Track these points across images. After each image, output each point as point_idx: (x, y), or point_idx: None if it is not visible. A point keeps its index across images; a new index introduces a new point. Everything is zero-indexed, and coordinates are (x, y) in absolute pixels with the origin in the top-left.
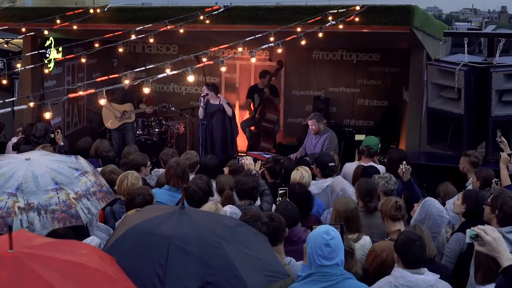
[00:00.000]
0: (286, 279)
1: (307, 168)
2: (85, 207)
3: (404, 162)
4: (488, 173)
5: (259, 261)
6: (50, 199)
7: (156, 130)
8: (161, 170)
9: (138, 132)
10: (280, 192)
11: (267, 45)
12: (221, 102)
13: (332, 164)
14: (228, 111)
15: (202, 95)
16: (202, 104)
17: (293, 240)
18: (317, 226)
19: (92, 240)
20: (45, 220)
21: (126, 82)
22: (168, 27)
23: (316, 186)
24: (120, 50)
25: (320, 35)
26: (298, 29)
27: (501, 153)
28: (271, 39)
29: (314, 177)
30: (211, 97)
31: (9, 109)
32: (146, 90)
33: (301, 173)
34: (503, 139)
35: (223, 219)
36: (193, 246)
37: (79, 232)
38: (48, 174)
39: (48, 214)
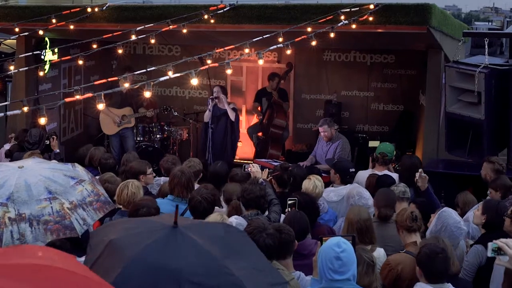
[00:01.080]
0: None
1: (320, 178)
2: (80, 217)
3: (420, 170)
4: (505, 180)
5: (260, 273)
6: (43, 209)
7: (158, 136)
8: (162, 179)
9: (138, 138)
10: (289, 202)
11: (275, 46)
12: (225, 106)
13: (353, 169)
14: (231, 115)
15: (211, 97)
16: (210, 107)
17: (303, 253)
18: (328, 238)
19: None
20: (37, 231)
21: (126, 85)
22: (171, 27)
23: (336, 193)
24: (120, 51)
25: (332, 35)
26: (309, 29)
27: None
28: (280, 39)
29: (327, 185)
30: (221, 100)
31: (2, 114)
32: (147, 94)
33: (313, 183)
34: None
35: (214, 230)
36: (203, 276)
37: (80, 245)
38: (42, 183)
39: (40, 225)
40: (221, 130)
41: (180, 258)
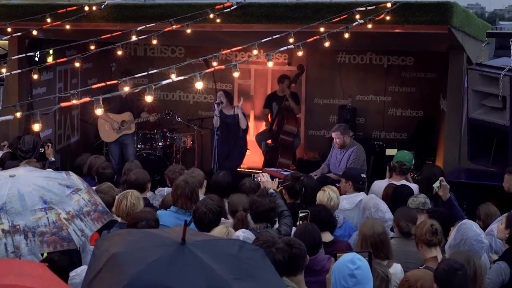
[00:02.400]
0: None
1: (335, 188)
2: (78, 228)
3: (441, 178)
4: None
5: None
6: (39, 220)
7: (160, 143)
8: (166, 189)
9: (139, 146)
10: (300, 215)
11: (286, 47)
12: (235, 113)
13: (364, 175)
14: (243, 123)
15: (216, 102)
16: (216, 112)
17: (315, 269)
18: (342, 253)
19: (84, 270)
20: (33, 244)
21: (126, 89)
22: (174, 26)
23: (349, 201)
24: (119, 53)
25: (346, 35)
26: (321, 29)
27: None
28: (291, 40)
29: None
30: (225, 106)
31: None
32: (149, 99)
33: (328, 195)
34: None
35: (227, 247)
36: None
37: (69, 259)
38: (36, 192)
39: (36, 237)
40: (228, 137)
41: (184, 279)
